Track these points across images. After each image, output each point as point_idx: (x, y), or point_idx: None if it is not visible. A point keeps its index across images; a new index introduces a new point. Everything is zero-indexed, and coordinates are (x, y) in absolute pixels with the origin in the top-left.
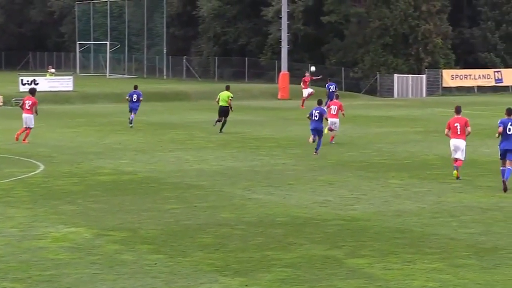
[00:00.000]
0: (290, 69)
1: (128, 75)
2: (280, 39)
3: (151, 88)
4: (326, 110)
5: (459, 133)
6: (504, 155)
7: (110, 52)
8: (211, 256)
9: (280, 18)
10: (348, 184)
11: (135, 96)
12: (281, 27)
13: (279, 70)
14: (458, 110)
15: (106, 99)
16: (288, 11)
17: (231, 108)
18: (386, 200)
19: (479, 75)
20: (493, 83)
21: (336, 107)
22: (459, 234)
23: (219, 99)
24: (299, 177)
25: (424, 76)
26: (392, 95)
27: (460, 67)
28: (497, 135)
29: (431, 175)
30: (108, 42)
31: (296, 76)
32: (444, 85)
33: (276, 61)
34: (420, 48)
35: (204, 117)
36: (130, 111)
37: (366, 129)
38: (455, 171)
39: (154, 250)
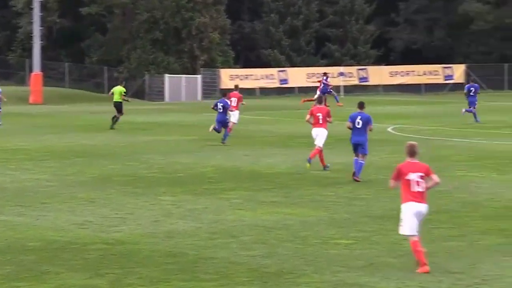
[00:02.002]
0: (43, 68)
1: None
2: (32, 33)
3: None
4: (229, 102)
5: (321, 122)
6: (356, 149)
7: None
8: None
9: (32, 9)
10: (111, 202)
11: None
12: (32, 19)
13: (31, 70)
14: (320, 100)
15: None
16: (41, 1)
17: (126, 101)
18: (156, 220)
19: (262, 75)
20: (277, 84)
21: (236, 99)
22: (240, 257)
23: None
24: (55, 194)
25: (199, 76)
26: (163, 99)
27: (241, 66)
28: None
29: (208, 190)
30: None
31: (50, 77)
32: (222, 86)
33: (27, 60)
34: (195, 45)
35: None
36: None
37: (132, 138)
38: (310, 162)
39: None
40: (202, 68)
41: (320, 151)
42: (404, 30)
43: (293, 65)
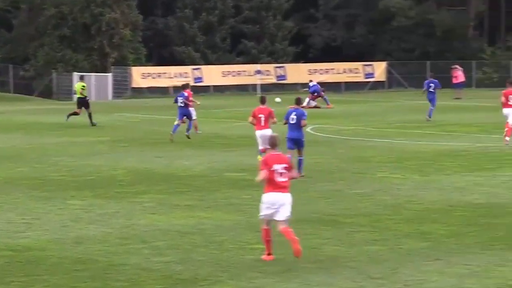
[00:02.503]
0: None
1: None
2: None
3: None
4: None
5: (263, 124)
6: (292, 144)
7: None
8: None
9: None
10: (18, 206)
11: None
12: None
13: None
14: (263, 101)
15: None
16: None
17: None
18: (64, 225)
19: (176, 73)
20: (191, 83)
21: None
22: (152, 264)
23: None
24: None
25: (110, 75)
26: (72, 98)
27: (153, 63)
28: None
29: (119, 194)
30: None
31: None
32: (134, 85)
33: None
34: (105, 41)
35: None
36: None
37: (40, 139)
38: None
39: None
40: (112, 66)
41: None
42: (324, 26)
43: (208, 62)
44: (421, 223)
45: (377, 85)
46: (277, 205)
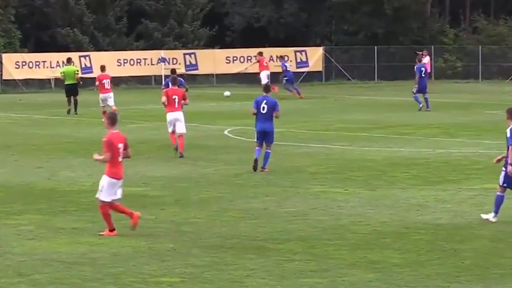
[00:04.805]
0: None
1: None
2: None
3: None
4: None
5: (176, 106)
6: (261, 137)
7: None
8: None
9: None
10: None
11: None
12: None
13: None
14: (174, 82)
15: None
16: None
17: (79, 82)
18: None
19: (59, 62)
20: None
21: (109, 81)
22: None
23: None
24: None
25: None
26: None
27: (30, 49)
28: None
29: None
30: None
31: None
32: (5, 77)
33: None
34: None
35: None
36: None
37: None
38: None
39: None
40: None
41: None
42: (245, 2)
43: (99, 48)
44: (369, 249)
45: (312, 77)
46: (117, 187)
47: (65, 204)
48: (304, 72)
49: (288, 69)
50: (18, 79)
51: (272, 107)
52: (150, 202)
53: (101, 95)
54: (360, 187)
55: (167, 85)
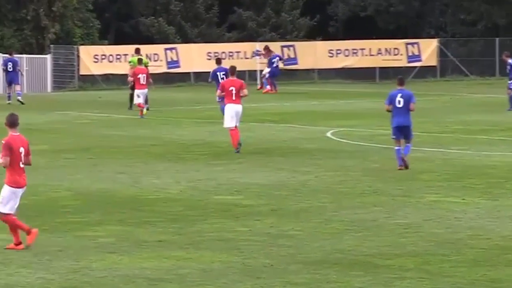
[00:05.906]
0: None
1: None
2: None
3: None
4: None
5: (234, 98)
6: (399, 133)
7: None
8: None
9: None
10: None
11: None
12: None
13: None
14: (232, 71)
15: None
16: None
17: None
18: None
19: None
20: (164, 69)
21: (145, 76)
22: None
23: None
24: None
25: (48, 57)
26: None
27: (110, 42)
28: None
29: (63, 225)
30: None
31: None
32: (82, 72)
33: None
34: (42, 10)
35: None
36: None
37: None
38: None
39: None
40: (52, 45)
41: (237, 131)
42: None
43: (187, 40)
44: (490, 266)
45: (426, 72)
46: (20, 196)
47: (149, 214)
48: (416, 67)
49: (276, 65)
50: (97, 75)
51: (408, 100)
52: (243, 212)
53: (136, 91)
54: (480, 196)
55: (214, 76)
